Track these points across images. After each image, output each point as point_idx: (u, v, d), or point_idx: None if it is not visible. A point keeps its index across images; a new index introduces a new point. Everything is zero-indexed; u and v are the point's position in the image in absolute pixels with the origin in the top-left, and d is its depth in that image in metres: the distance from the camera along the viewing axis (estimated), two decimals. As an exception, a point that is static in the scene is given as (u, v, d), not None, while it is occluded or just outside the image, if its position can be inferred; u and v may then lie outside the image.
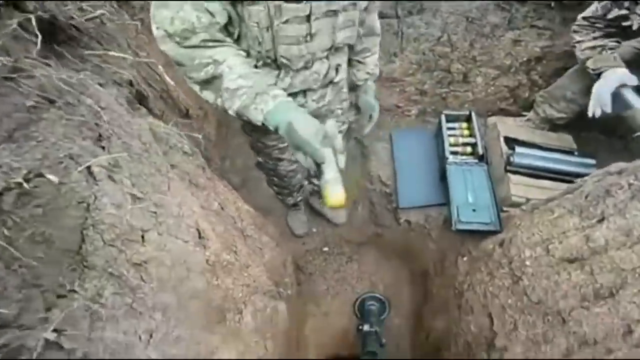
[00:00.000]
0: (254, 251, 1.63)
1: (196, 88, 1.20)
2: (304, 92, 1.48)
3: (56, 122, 0.63)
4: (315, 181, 2.34)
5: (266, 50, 1.25)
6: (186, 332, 0.92)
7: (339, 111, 1.74)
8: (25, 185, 0.51)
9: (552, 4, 2.35)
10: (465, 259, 1.93)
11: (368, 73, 1.70)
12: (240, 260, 1.45)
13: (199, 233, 1.04)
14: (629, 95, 1.73)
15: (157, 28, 1.10)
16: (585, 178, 1.40)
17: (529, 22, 2.44)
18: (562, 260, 1.32)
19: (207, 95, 1.19)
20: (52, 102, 0.66)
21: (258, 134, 1.63)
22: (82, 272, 0.65)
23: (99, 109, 0.75)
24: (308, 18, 1.22)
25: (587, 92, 1.90)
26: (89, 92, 0.78)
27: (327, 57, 1.42)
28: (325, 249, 2.57)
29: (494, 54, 2.50)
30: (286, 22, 1.19)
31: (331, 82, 1.53)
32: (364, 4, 1.37)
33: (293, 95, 1.43)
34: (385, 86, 2.69)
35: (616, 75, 1.74)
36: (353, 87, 1.75)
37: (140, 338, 0.72)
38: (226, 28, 1.18)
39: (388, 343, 1.85)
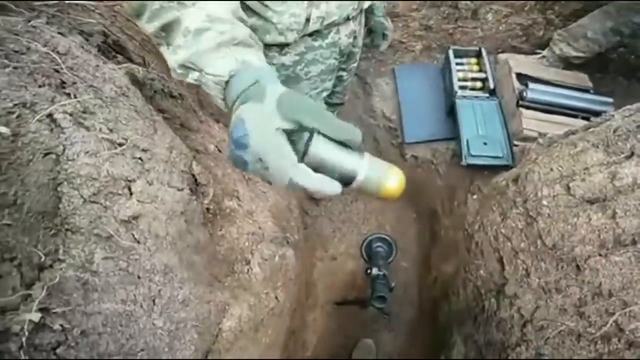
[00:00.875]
0: (257, 195, 1.56)
1: (159, 47, 0.73)
2: (337, 24, 1.34)
3: None
4: None
5: None
6: (193, 292, 0.86)
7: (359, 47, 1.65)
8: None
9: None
10: (475, 197, 1.87)
11: None
12: (244, 207, 1.38)
13: (195, 179, 0.95)
14: None
15: None
16: (612, 112, 1.30)
17: None
18: (583, 201, 1.23)
19: (164, 51, 0.72)
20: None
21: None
22: (65, 237, 0.57)
23: (55, 56, 0.63)
24: None
25: (610, 32, 1.90)
26: (44, 39, 0.65)
27: None
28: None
29: None
30: None
31: (361, 10, 1.40)
32: None
33: (327, 28, 1.31)
34: (387, 21, 2.53)
35: None
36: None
37: (141, 306, 0.66)
38: None
39: (395, 287, 1.85)
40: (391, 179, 0.63)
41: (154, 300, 0.69)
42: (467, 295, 1.69)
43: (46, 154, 0.52)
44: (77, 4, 0.98)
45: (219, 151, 1.38)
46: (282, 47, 1.29)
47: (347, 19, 1.36)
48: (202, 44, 0.65)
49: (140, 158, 0.71)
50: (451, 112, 2.14)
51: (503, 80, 2.22)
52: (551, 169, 1.37)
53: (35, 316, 0.49)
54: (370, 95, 2.62)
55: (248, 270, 1.31)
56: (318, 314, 2.28)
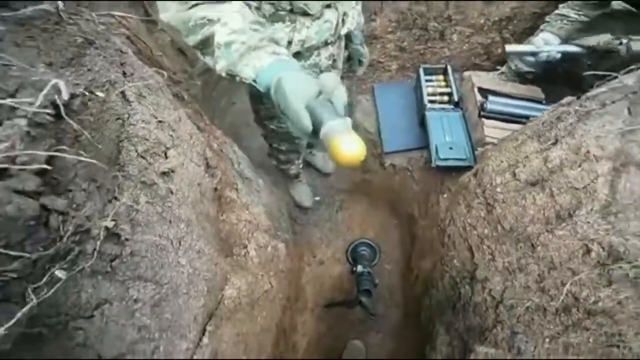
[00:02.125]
0: (253, 192, 1.78)
1: (200, 56, 1.03)
2: (317, 48, 1.52)
3: (96, 57, 0.76)
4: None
5: None
6: (205, 248, 1.07)
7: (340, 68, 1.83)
8: (86, 94, 0.65)
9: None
10: (445, 196, 2.09)
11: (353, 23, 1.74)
12: (241, 199, 1.59)
13: (207, 161, 1.19)
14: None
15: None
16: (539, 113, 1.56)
17: None
18: (527, 184, 1.46)
19: (208, 60, 1.02)
20: (90, 42, 0.79)
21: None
22: (120, 182, 0.80)
23: (122, 53, 0.89)
24: None
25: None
26: (112, 41, 0.90)
27: (335, 7, 1.46)
28: (317, 198, 2.73)
29: (468, 13, 2.63)
30: None
31: (339, 36, 1.58)
32: None
33: (309, 51, 1.50)
34: (366, 43, 2.78)
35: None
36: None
37: (172, 243, 0.87)
38: None
39: (380, 288, 2.02)
40: (347, 140, 0.71)
41: (180, 241, 0.90)
42: (445, 286, 1.83)
43: (117, 118, 0.75)
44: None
45: (221, 150, 1.61)
46: None
47: (326, 43, 1.54)
48: (232, 55, 0.90)
49: (171, 135, 0.94)
50: (422, 123, 2.40)
51: (467, 94, 2.48)
52: (501, 161, 1.62)
53: (111, 223, 0.71)
54: (351, 111, 2.88)
55: (245, 253, 1.49)
56: (308, 316, 2.41)
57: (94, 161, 0.64)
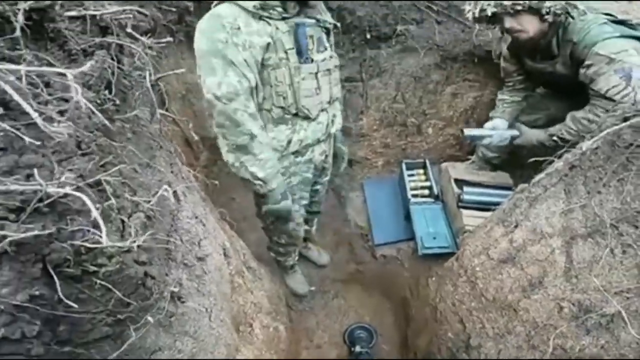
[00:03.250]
0: (256, 279, 1.98)
1: (224, 148, 1.62)
2: (312, 146, 1.89)
3: (160, 158, 1.03)
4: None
5: (289, 104, 1.67)
6: (224, 321, 1.26)
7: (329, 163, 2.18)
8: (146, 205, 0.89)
9: (476, 59, 2.86)
10: (434, 279, 2.27)
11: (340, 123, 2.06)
12: (247, 284, 1.79)
13: (224, 251, 1.41)
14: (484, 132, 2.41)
15: (207, 92, 1.50)
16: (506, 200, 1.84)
17: (462, 77, 2.95)
18: (500, 262, 1.68)
19: (230, 156, 1.62)
20: (161, 147, 1.07)
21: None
22: (167, 264, 1.02)
23: (170, 152, 1.18)
24: (316, 75, 1.68)
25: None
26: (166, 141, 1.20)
27: (326, 110, 1.84)
28: (312, 288, 2.85)
29: (439, 107, 3.01)
30: (303, 79, 1.64)
31: (329, 134, 1.95)
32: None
33: (305, 149, 1.87)
34: (355, 141, 3.15)
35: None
36: None
37: (206, 310, 1.08)
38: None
39: None
40: None
41: (211, 310, 1.10)
42: (443, 356, 1.96)
43: (170, 213, 1.00)
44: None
45: (231, 242, 1.84)
46: None
47: (319, 141, 1.91)
48: (265, 171, 1.64)
49: (203, 228, 1.19)
50: (408, 216, 2.68)
51: (445, 185, 2.77)
52: (476, 245, 1.86)
53: (175, 288, 0.92)
54: (344, 207, 3.16)
55: (250, 331, 1.67)
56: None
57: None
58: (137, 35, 1.01)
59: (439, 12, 2.88)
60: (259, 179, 1.66)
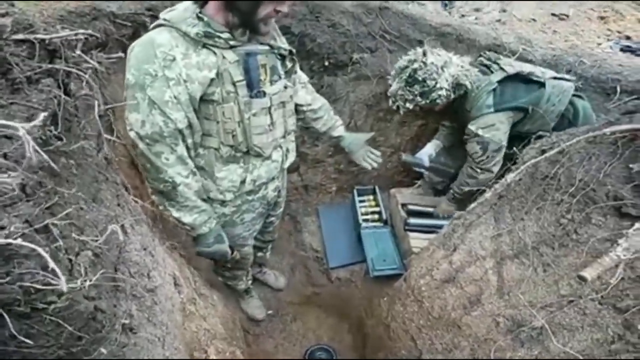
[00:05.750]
0: (209, 306, 1.99)
1: (149, 188, 1.54)
2: (265, 183, 1.78)
3: (107, 191, 1.07)
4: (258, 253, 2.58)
5: (239, 142, 1.52)
6: (180, 346, 1.29)
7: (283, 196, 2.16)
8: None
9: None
10: (385, 299, 2.37)
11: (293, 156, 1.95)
12: (199, 312, 1.79)
13: (175, 280, 1.45)
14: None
15: (130, 129, 1.36)
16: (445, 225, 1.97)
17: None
18: (442, 282, 1.79)
19: (155, 197, 1.55)
20: (107, 179, 1.11)
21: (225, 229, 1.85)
22: (116, 295, 1.05)
23: (116, 184, 1.21)
24: (269, 110, 1.54)
25: (453, 161, 2.67)
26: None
27: (280, 146, 1.73)
28: (270, 312, 2.87)
29: (388, 134, 3.12)
30: (254, 115, 1.49)
31: (282, 169, 1.85)
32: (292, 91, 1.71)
33: (259, 187, 1.77)
34: (311, 167, 3.21)
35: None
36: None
37: (158, 339, 1.11)
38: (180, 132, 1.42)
39: None
40: None
41: (163, 339, 1.14)
42: None
43: (117, 246, 1.03)
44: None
45: (180, 270, 1.86)
46: (223, 201, 1.73)
47: (273, 178, 1.81)
48: (192, 216, 1.57)
49: (152, 259, 1.23)
50: (360, 239, 2.79)
51: (393, 210, 2.90)
52: (421, 267, 1.97)
53: (126, 320, 0.95)
54: (300, 231, 3.22)
55: (206, 357, 1.66)
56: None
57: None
58: (87, 58, 0.97)
59: (391, 41, 2.96)
60: (185, 224, 1.56)
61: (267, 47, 1.54)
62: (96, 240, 0.80)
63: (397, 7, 3.00)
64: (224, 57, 1.39)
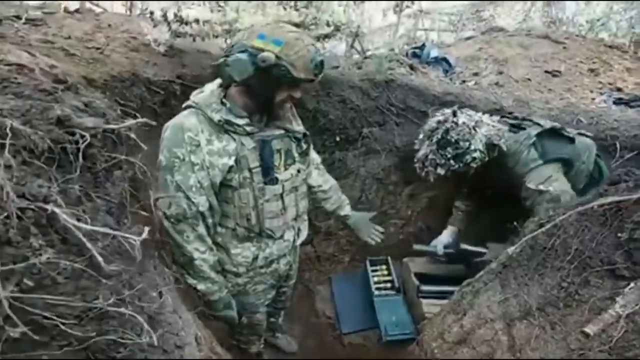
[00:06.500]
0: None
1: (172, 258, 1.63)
2: (277, 258, 1.84)
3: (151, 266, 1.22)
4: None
5: (253, 225, 1.61)
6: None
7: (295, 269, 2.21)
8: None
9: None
10: (399, 363, 2.41)
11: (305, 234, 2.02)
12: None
13: (196, 338, 1.52)
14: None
15: (157, 208, 1.46)
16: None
17: (418, 176, 2.98)
18: (454, 344, 1.84)
19: (177, 267, 1.61)
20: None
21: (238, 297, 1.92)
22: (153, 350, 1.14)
23: None
24: (281, 196, 1.62)
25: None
26: None
27: (292, 227, 1.80)
28: (282, 376, 2.85)
29: (398, 207, 3.23)
30: (267, 200, 1.58)
31: (294, 247, 1.93)
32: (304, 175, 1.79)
33: (270, 262, 1.83)
34: (324, 239, 3.33)
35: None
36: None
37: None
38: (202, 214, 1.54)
39: None
40: None
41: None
42: None
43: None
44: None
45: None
46: (237, 273, 1.81)
47: (284, 255, 1.88)
48: (206, 286, 1.66)
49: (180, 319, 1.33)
50: (372, 307, 2.86)
51: (406, 278, 2.96)
52: (433, 331, 2.02)
53: None
54: (313, 299, 3.26)
55: None
56: None
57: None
58: (140, 143, 1.17)
59: (398, 114, 3.11)
60: (199, 290, 1.66)
61: (282, 131, 1.63)
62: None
63: (402, 79, 3.18)
64: (242, 144, 1.50)
